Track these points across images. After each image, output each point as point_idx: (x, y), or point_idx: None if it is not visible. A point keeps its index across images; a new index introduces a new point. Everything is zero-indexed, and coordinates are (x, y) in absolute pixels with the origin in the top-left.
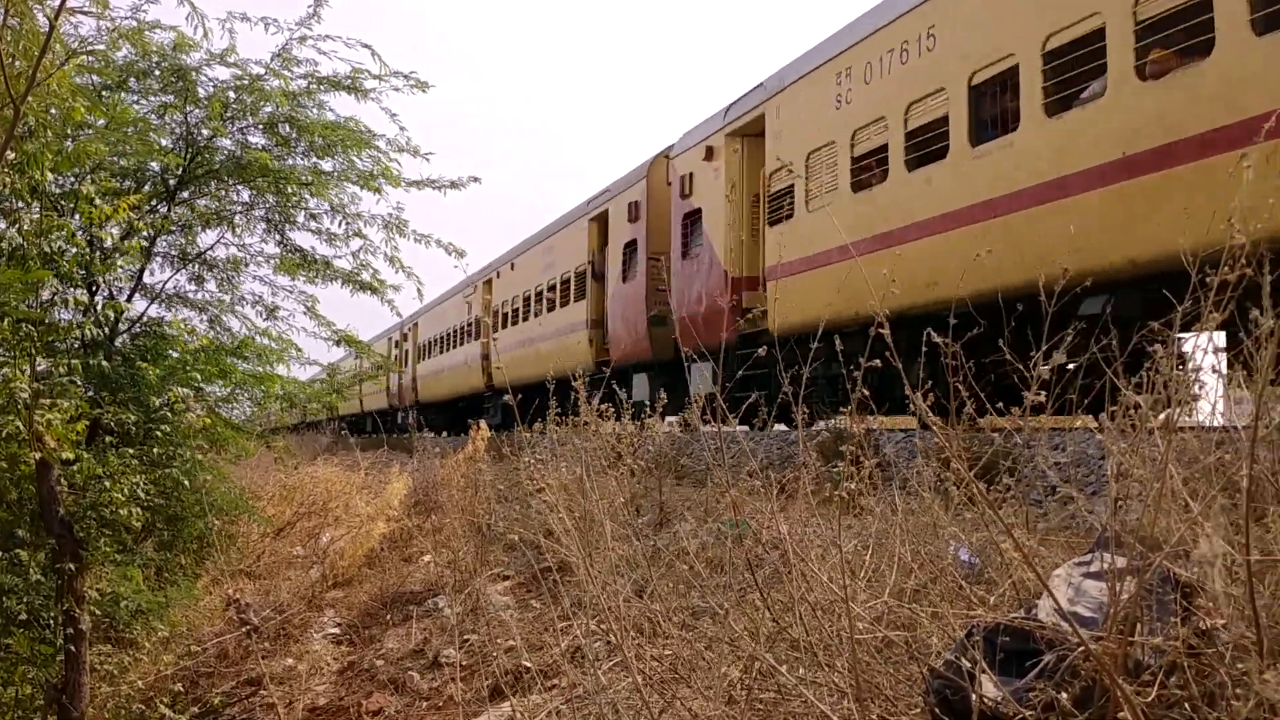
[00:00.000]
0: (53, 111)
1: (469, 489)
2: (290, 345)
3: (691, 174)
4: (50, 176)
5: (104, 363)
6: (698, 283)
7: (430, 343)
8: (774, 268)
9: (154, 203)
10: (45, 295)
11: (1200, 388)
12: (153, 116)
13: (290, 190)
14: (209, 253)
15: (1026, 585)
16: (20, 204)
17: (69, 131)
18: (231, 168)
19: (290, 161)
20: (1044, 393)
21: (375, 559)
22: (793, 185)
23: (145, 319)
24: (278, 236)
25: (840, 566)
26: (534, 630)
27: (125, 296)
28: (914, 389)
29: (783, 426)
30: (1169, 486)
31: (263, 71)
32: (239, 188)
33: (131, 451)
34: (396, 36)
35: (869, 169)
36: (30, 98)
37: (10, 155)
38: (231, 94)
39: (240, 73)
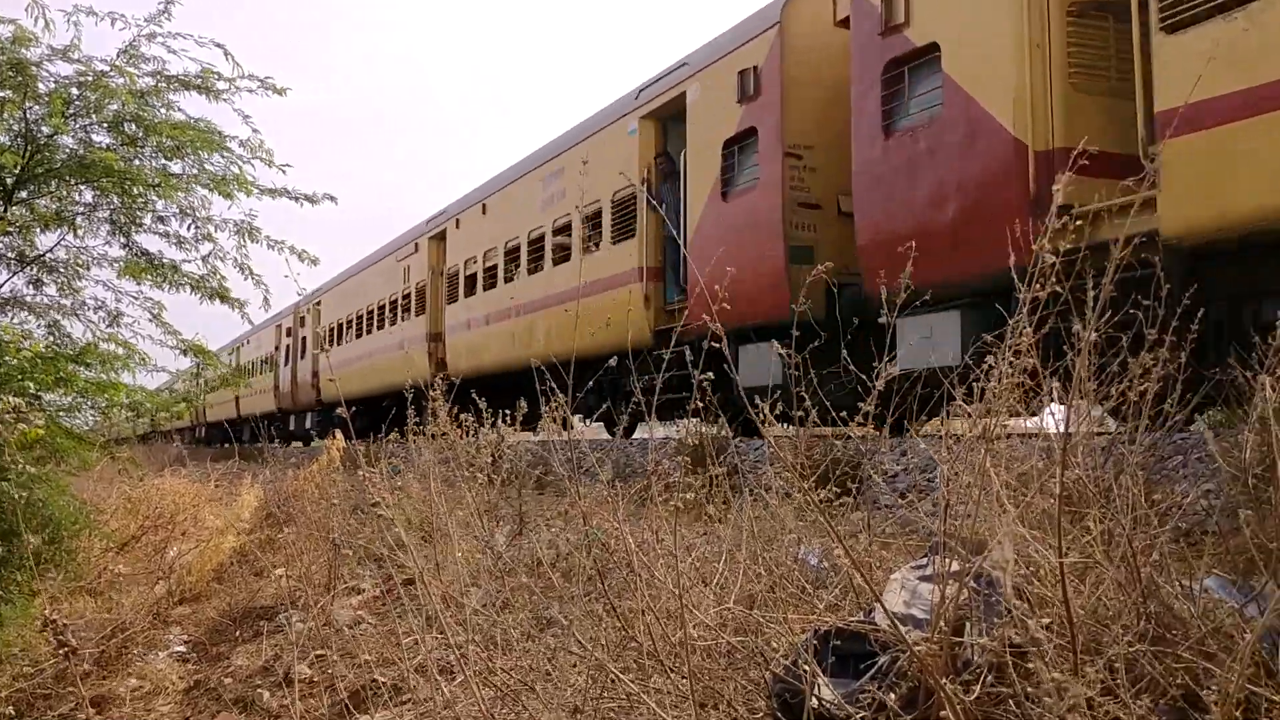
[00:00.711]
0: None
1: (322, 501)
2: (135, 352)
3: None
4: None
5: None
6: (935, 173)
7: (343, 324)
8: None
9: None
10: None
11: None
12: None
13: (137, 192)
14: (48, 255)
15: (867, 589)
16: None
17: None
18: (74, 167)
19: (137, 162)
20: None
21: (224, 574)
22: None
23: None
24: (123, 239)
25: (677, 572)
26: (387, 644)
27: None
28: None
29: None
30: (992, 491)
31: (107, 68)
32: (81, 188)
33: None
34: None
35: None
36: None
37: None
38: (74, 90)
39: (84, 69)
